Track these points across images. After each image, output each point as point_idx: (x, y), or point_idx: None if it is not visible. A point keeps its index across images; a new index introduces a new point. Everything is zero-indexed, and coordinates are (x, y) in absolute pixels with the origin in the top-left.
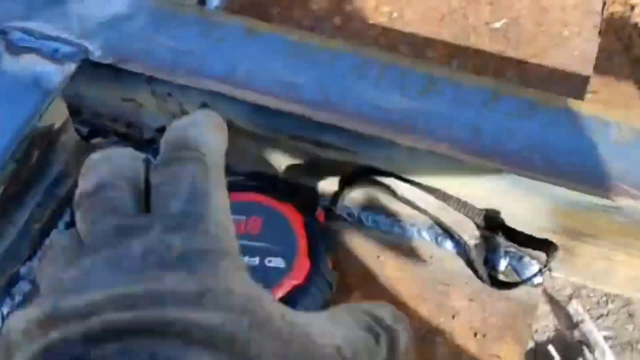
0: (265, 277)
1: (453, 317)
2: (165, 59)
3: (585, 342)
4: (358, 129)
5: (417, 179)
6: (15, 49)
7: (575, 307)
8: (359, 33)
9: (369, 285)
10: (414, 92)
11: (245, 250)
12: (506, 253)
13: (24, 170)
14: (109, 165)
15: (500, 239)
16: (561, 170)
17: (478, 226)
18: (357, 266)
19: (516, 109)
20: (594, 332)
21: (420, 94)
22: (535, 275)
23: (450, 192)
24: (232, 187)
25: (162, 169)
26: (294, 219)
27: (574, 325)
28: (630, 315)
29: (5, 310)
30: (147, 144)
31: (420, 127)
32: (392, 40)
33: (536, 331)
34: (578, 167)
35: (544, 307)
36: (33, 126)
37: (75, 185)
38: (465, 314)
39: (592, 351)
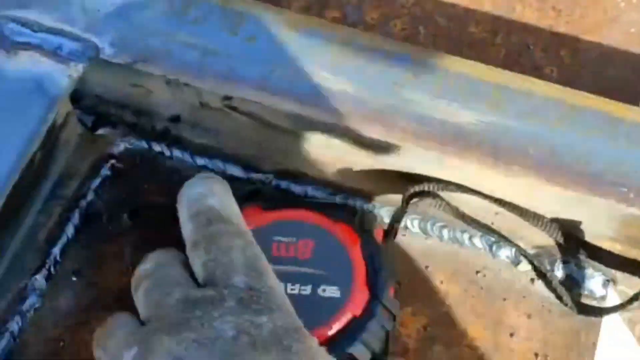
0: (319, 308)
1: (511, 335)
2: (189, 60)
3: None
4: (416, 147)
5: (472, 181)
6: (11, 45)
7: None
8: (389, 1)
9: (417, 300)
10: (480, 104)
11: (296, 278)
12: (565, 263)
13: (23, 177)
14: (162, 254)
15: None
16: None
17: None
18: (403, 278)
19: (596, 125)
20: None
21: (488, 107)
22: (633, 300)
23: (506, 197)
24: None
25: (205, 246)
26: (350, 241)
27: None
28: None
29: (15, 330)
30: (160, 136)
31: (487, 145)
32: (427, 11)
33: None
34: None
35: None
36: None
37: (82, 183)
38: (525, 333)
39: None
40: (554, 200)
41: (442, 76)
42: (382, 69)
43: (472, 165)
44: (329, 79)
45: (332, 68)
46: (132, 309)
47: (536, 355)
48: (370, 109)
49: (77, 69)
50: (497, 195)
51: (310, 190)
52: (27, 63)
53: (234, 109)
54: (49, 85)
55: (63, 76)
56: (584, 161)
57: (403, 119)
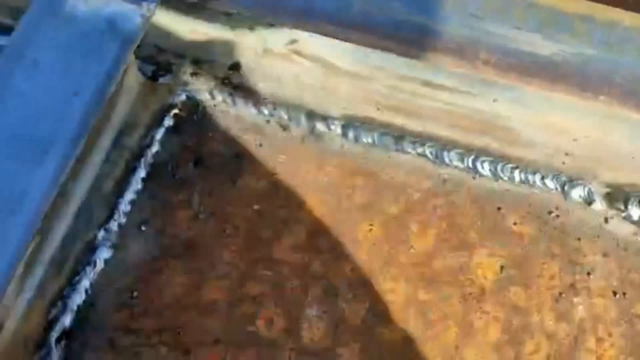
0: None
1: (588, 274)
2: None
3: None
4: (498, 79)
5: (544, 120)
6: None
7: None
8: None
9: (491, 240)
10: (564, 35)
11: None
12: None
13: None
14: None
15: None
16: None
17: None
18: (476, 219)
19: None
20: None
21: (572, 38)
22: None
23: (580, 133)
24: None
25: None
26: None
27: None
28: None
29: (86, 281)
30: (222, 83)
31: (573, 76)
32: None
33: None
34: None
35: None
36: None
37: (146, 133)
38: (601, 271)
39: None
40: (632, 133)
41: (523, 8)
42: (458, 1)
43: (558, 97)
44: (405, 12)
45: (409, 1)
46: (203, 257)
47: (614, 293)
48: (449, 42)
49: (149, 9)
50: (573, 131)
51: (377, 137)
52: (99, 4)
53: (299, 53)
54: (122, 25)
55: (136, 16)
56: None
57: (484, 51)
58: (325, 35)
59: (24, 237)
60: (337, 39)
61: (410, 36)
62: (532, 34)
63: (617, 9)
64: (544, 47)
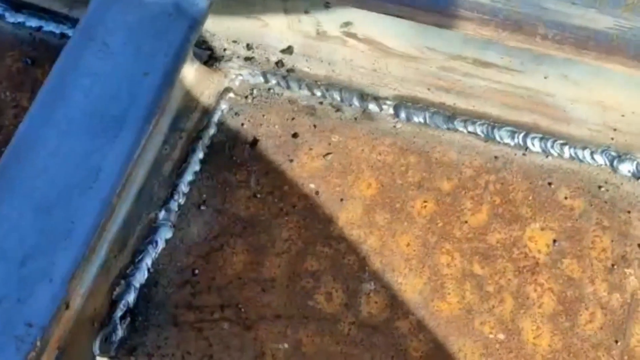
0: None
1: (639, 246)
2: None
3: None
4: (557, 53)
5: (593, 97)
6: None
7: None
8: None
9: (544, 213)
10: (617, 10)
11: None
12: None
13: None
14: None
15: None
16: None
17: None
18: (528, 194)
19: None
20: None
21: (625, 11)
22: None
23: (627, 109)
24: None
25: None
26: None
27: None
28: None
29: (149, 260)
30: (276, 66)
31: (629, 49)
32: None
33: None
34: None
35: None
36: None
37: (202, 116)
38: None
39: None
40: None
41: None
42: None
43: (609, 72)
44: None
45: None
46: (262, 235)
47: None
48: (508, 19)
49: None
50: (621, 108)
51: (429, 117)
52: None
53: (352, 35)
54: (188, 8)
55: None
56: None
57: (542, 26)
58: (387, 14)
59: (100, 213)
60: (398, 17)
61: (471, 14)
62: (587, 9)
63: None
64: (599, 21)
